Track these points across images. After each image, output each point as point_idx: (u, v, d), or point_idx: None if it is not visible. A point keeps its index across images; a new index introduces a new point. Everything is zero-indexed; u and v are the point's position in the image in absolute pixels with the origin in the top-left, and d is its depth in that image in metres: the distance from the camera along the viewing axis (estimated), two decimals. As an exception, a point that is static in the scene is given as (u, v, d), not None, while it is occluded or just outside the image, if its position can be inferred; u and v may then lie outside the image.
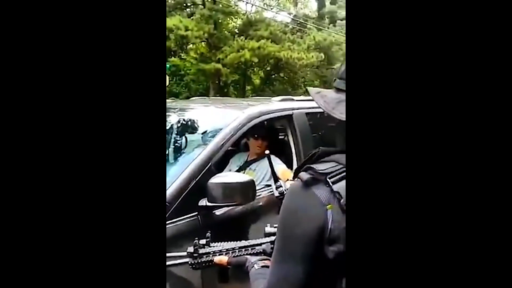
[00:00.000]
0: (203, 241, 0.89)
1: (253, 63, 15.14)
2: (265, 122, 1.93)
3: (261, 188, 1.76)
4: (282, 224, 0.65)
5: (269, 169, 1.98)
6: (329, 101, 0.67)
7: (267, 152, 1.11)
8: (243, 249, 0.87)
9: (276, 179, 1.00)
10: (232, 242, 0.89)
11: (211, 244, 0.89)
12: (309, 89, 0.73)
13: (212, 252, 0.88)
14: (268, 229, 0.87)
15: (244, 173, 2.01)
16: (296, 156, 1.86)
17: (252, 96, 14.31)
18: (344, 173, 0.61)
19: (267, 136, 2.03)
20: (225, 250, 0.88)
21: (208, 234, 0.91)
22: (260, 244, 0.88)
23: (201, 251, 0.88)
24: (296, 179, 0.65)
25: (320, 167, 0.63)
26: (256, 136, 2.00)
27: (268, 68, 16.69)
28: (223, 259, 0.86)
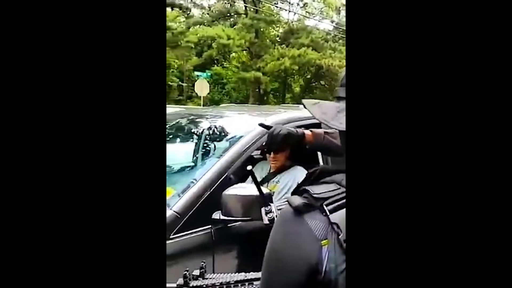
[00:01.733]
0: (196, 272, 0.78)
1: (293, 71, 15.09)
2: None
3: (284, 202, 1.64)
4: (267, 260, 0.52)
5: (294, 180, 1.88)
6: (327, 111, 0.54)
7: (249, 168, 0.94)
8: (239, 284, 0.76)
9: (265, 202, 0.84)
10: (229, 274, 0.78)
11: (205, 276, 0.78)
12: (304, 101, 0.61)
13: (204, 286, 0.77)
14: None
15: (267, 185, 1.89)
16: (324, 165, 1.72)
17: (292, 104, 14.23)
18: None
19: (292, 145, 1.90)
20: (218, 284, 0.77)
21: (203, 264, 0.80)
22: (259, 279, 0.76)
23: (192, 283, 0.77)
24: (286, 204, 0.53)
25: (316, 190, 0.51)
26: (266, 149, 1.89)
27: (309, 76, 16.53)
28: None
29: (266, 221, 0.79)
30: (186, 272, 0.77)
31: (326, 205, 0.49)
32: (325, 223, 0.48)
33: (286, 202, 1.26)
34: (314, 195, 0.50)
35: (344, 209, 0.48)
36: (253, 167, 2.09)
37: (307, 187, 0.52)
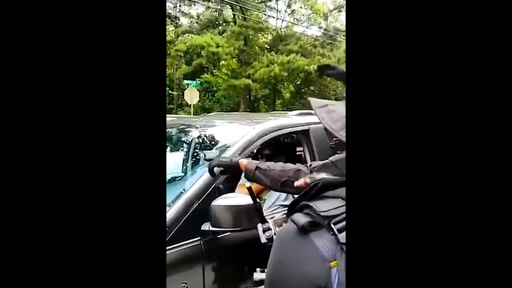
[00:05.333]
0: None
1: (283, 78, 15.15)
2: (283, 137, 1.82)
3: (274, 210, 1.62)
4: (271, 283, 0.49)
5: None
6: (338, 118, 0.50)
7: (248, 185, 0.88)
8: None
9: (263, 219, 0.77)
10: None
11: None
12: (311, 100, 0.55)
13: None
14: (258, 275, 0.69)
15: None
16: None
17: (282, 111, 14.26)
18: None
19: (281, 152, 1.90)
20: None
21: (184, 285, 0.76)
22: None
23: None
24: (288, 221, 0.50)
25: (321, 206, 0.47)
26: (268, 152, 1.88)
27: (298, 82, 16.62)
28: None
29: (264, 239, 0.71)
30: None
31: (334, 224, 0.45)
32: (333, 243, 0.45)
33: (280, 207, 1.18)
34: (321, 213, 0.46)
35: None
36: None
37: (309, 203, 0.48)
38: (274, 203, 1.77)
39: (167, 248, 1.22)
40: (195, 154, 2.08)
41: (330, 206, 0.47)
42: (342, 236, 0.44)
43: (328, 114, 0.51)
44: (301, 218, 0.47)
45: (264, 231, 0.70)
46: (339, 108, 0.51)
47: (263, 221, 0.73)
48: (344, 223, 0.44)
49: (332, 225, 0.45)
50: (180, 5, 16.59)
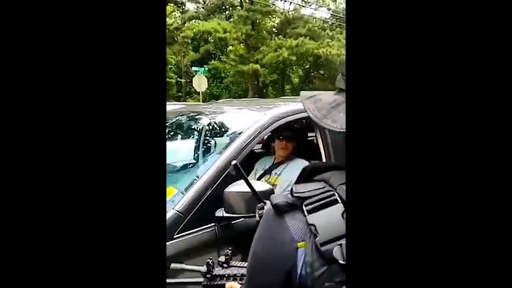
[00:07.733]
0: (222, 258, 0.79)
1: (292, 62, 14.98)
2: (295, 123, 1.80)
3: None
4: (249, 261, 0.51)
5: (296, 173, 1.87)
6: (322, 106, 0.51)
7: (233, 162, 0.90)
8: None
9: (258, 198, 0.81)
10: None
11: (231, 263, 0.79)
12: (302, 93, 0.59)
13: (226, 275, 0.79)
14: None
15: (269, 178, 1.88)
16: (326, 160, 1.70)
17: (291, 96, 14.17)
18: (330, 199, 0.45)
19: (293, 138, 1.89)
20: (240, 275, 0.77)
21: (228, 251, 0.80)
22: None
23: (215, 271, 0.79)
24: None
25: (300, 188, 0.48)
26: (280, 137, 1.87)
27: (307, 66, 16.42)
28: (234, 286, 0.73)
29: (257, 217, 0.77)
30: (209, 260, 0.78)
31: (306, 205, 0.46)
32: (304, 224, 0.45)
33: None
34: (295, 194, 0.47)
35: (323, 210, 0.45)
36: (240, 163, 2.08)
37: (295, 185, 0.50)
38: (286, 190, 1.78)
39: (183, 234, 1.25)
40: (206, 141, 2.10)
41: (309, 188, 0.48)
42: (311, 218, 0.45)
43: (314, 104, 0.52)
44: (276, 198, 0.48)
45: (259, 209, 0.76)
46: (326, 97, 0.53)
47: (259, 200, 0.78)
48: (315, 205, 0.45)
49: (304, 206, 0.46)
50: (186, -9, 16.40)
